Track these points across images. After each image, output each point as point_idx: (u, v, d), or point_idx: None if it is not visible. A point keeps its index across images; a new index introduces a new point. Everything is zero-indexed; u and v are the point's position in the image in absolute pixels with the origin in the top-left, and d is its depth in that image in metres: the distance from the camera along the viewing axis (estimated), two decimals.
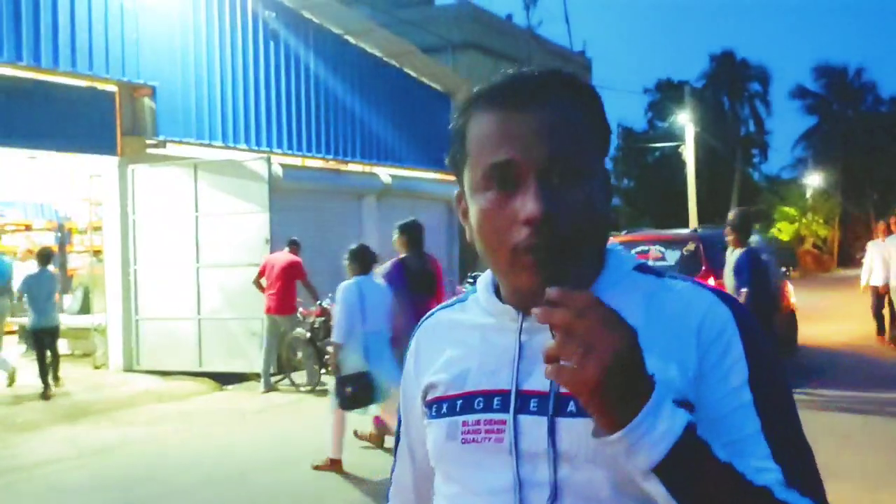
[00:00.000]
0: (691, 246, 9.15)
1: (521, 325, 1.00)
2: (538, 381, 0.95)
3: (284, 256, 9.62)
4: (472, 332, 1.06)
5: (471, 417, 1.00)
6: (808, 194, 40.62)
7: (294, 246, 9.78)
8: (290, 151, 13.45)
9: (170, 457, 6.87)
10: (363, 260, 6.21)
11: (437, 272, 6.82)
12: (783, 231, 37.80)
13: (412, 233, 6.65)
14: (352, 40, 14.95)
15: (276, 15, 13.14)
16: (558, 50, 24.50)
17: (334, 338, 6.11)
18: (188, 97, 11.72)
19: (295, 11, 13.62)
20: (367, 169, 15.36)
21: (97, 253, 11.85)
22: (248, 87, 12.75)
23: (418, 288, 6.46)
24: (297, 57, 13.69)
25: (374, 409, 6.15)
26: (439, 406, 1.05)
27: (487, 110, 0.98)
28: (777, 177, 47.40)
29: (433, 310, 1.19)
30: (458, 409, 1.02)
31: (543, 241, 0.92)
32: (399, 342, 6.01)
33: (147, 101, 11.21)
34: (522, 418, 0.96)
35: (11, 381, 9.52)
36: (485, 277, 1.09)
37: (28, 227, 14.07)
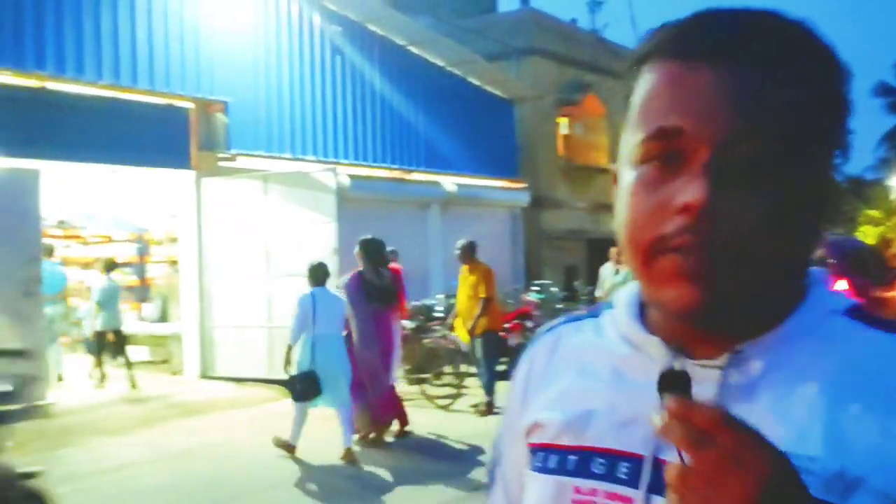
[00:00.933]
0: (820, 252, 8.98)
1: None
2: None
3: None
4: (603, 361, 0.79)
5: (586, 484, 0.75)
6: (894, 196, 39.07)
7: (393, 255, 10.06)
8: (356, 161, 13.72)
9: (243, 460, 7.11)
10: (317, 274, 7.13)
11: (396, 282, 7.75)
12: (867, 235, 36.46)
13: (367, 247, 7.41)
14: (415, 50, 15.15)
15: (342, 29, 13.44)
16: (625, 52, 24.23)
17: (290, 340, 7.00)
18: (258, 111, 12.10)
19: (359, 24, 13.89)
20: (432, 178, 15.52)
21: (174, 263, 12.30)
22: (315, 99, 13.08)
23: (374, 297, 7.19)
24: (361, 68, 13.96)
25: (321, 402, 6.93)
26: (546, 456, 0.80)
27: (663, 59, 0.72)
28: (860, 178, 45.78)
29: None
30: (570, 468, 0.77)
31: (702, 241, 0.66)
32: (350, 342, 7.17)
33: (220, 116, 11.61)
34: (657, 500, 0.70)
35: (102, 378, 10.20)
36: (628, 291, 0.82)
37: (109, 239, 14.70)
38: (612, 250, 11.69)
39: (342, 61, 13.58)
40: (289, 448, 6.97)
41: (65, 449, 7.37)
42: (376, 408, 7.35)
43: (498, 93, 17.33)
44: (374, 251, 7.31)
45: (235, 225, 11.26)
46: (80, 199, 13.81)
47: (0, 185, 8.79)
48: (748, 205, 0.66)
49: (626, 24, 29.56)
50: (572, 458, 0.77)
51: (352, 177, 12.78)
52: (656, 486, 0.70)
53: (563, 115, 19.95)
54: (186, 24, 11.07)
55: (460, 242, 8.99)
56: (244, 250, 11.17)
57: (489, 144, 16.73)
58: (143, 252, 14.38)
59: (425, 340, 9.68)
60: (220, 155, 11.53)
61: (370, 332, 7.18)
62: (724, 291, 0.66)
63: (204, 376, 11.16)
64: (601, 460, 0.75)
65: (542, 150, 19.28)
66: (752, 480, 0.55)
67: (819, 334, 0.71)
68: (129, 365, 10.42)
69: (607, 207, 21.18)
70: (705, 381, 0.69)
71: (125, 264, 13.95)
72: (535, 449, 0.81)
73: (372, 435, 7.46)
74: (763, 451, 0.56)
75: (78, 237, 13.97)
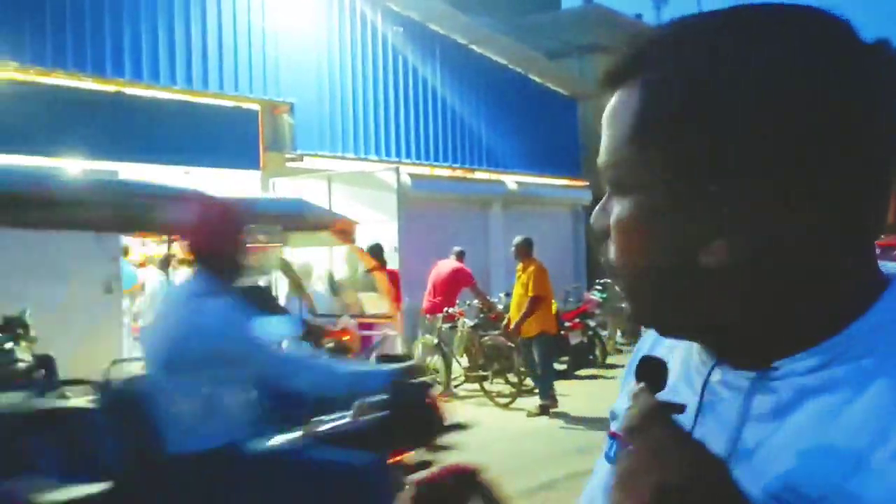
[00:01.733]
0: None
1: (708, 375, 0.71)
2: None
3: (450, 264, 10.14)
4: (678, 356, 0.77)
5: None
6: None
7: (460, 256, 10.30)
8: (418, 161, 13.91)
9: None
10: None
11: (393, 283, 8.41)
12: None
13: (370, 252, 8.09)
14: (476, 49, 15.25)
15: (404, 29, 13.64)
16: None
17: None
18: (323, 112, 12.40)
19: (421, 24, 14.07)
20: (493, 176, 15.60)
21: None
22: (378, 99, 13.31)
23: None
24: (423, 68, 14.14)
25: None
26: (612, 444, 0.82)
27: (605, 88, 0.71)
28: None
29: None
30: (614, 457, 0.79)
31: (606, 257, 0.72)
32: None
33: (286, 117, 11.95)
34: None
35: None
36: None
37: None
38: None
39: (405, 61, 13.78)
40: None
41: None
42: None
43: (560, 90, 17.30)
44: (375, 253, 8.10)
45: None
46: None
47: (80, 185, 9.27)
48: (616, 221, 0.69)
49: None
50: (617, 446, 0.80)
51: (413, 176, 12.96)
52: None
53: None
54: (253, 28, 11.43)
55: (516, 239, 8.98)
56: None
57: (551, 142, 16.72)
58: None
59: (484, 338, 9.77)
60: (287, 155, 11.87)
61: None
62: (636, 302, 0.70)
63: None
64: None
65: None
66: (658, 479, 0.56)
67: (879, 350, 0.62)
68: None
69: None
70: (737, 391, 0.67)
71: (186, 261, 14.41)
72: (609, 437, 0.84)
73: None
74: (683, 455, 0.58)
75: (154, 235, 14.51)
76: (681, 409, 0.65)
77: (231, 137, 11.38)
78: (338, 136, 12.64)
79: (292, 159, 11.91)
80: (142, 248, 14.12)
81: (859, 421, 0.58)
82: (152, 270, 11.63)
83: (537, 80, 16.71)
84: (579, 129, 17.98)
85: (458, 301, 10.16)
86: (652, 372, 0.67)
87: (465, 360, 9.91)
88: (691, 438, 0.60)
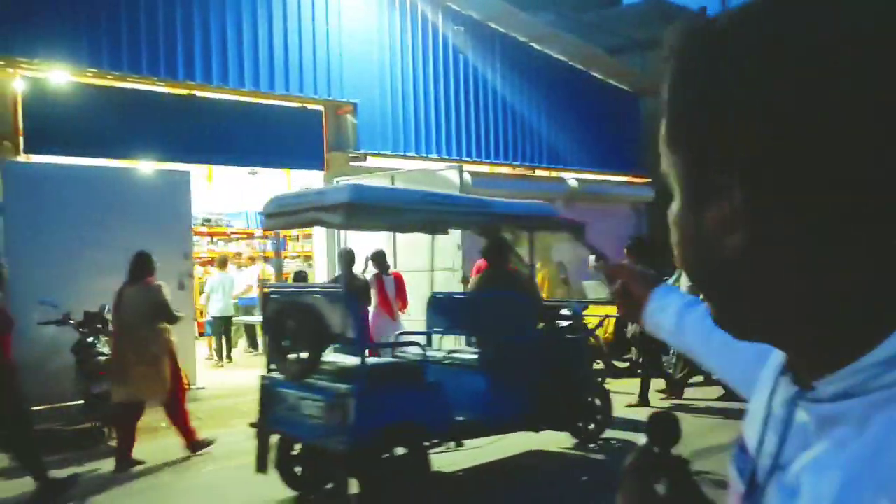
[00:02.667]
0: None
1: (775, 385, 0.69)
2: (762, 471, 0.68)
3: (484, 264, 10.14)
4: (775, 366, 0.73)
5: (732, 474, 0.75)
6: None
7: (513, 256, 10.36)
8: (478, 159, 13.97)
9: (228, 479, 7.41)
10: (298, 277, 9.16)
11: (399, 286, 9.13)
12: None
13: (343, 257, 8.15)
14: (537, 47, 15.22)
15: (464, 28, 13.71)
16: None
17: None
18: (385, 111, 12.56)
19: (481, 23, 14.12)
20: (555, 174, 15.56)
21: (308, 258, 12.97)
22: (440, 98, 13.42)
23: None
24: (484, 66, 14.18)
25: None
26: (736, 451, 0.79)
27: None
28: None
29: None
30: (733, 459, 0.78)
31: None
32: None
33: (349, 117, 12.15)
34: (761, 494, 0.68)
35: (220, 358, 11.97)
36: None
37: (250, 235, 15.63)
38: None
39: (465, 60, 13.85)
40: None
41: (213, 431, 7.98)
42: None
43: (622, 87, 17.14)
44: (347, 260, 8.24)
45: None
46: (223, 198, 14.78)
47: (155, 186, 9.63)
48: (670, 220, 0.69)
49: None
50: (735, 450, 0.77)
51: (474, 174, 13.01)
52: (754, 481, 0.69)
53: None
54: (317, 30, 11.65)
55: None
56: (373, 246, 11.63)
57: (613, 139, 16.57)
58: (279, 248, 15.20)
59: None
60: (350, 155, 12.07)
61: None
62: (721, 306, 0.66)
63: None
64: (739, 454, 0.74)
65: None
66: None
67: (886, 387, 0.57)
68: (228, 343, 12.49)
69: None
70: (784, 406, 0.66)
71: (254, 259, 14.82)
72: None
73: None
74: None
75: (222, 234, 14.93)
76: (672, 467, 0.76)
77: (296, 138, 11.64)
78: (400, 135, 12.80)
79: (355, 158, 12.11)
80: (210, 245, 14.58)
81: (848, 467, 0.56)
82: (214, 269, 12.12)
83: (599, 76, 16.58)
84: (642, 126, 17.77)
85: None
86: (663, 427, 0.76)
87: None
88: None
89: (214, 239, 14.75)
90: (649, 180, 17.29)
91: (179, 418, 7.12)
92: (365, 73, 12.28)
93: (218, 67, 10.60)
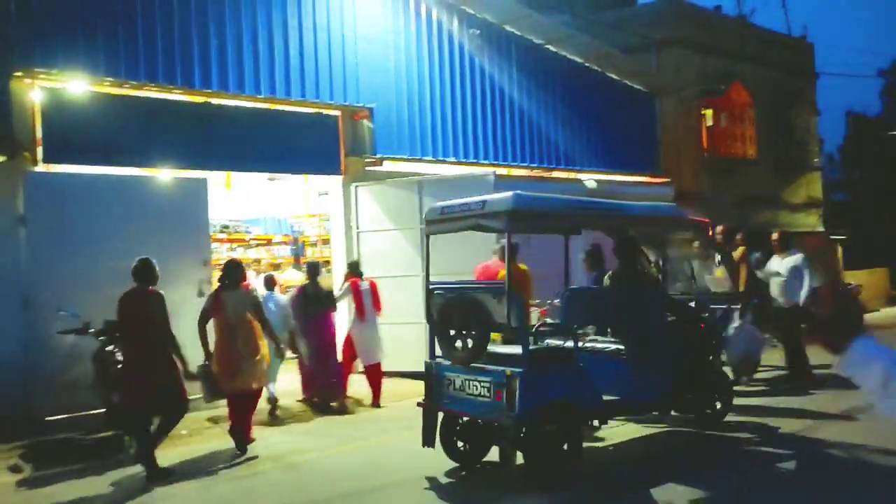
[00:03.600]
0: None
1: None
2: None
3: (496, 264, 10.05)
4: None
5: None
6: None
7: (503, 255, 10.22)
8: (495, 162, 13.92)
9: (394, 452, 7.45)
10: (268, 283, 10.02)
11: (373, 293, 10.04)
12: None
13: (308, 268, 9.96)
14: (552, 48, 15.17)
15: (479, 31, 13.68)
16: (775, 37, 23.10)
17: None
18: (401, 116, 12.56)
19: (497, 26, 14.09)
20: (572, 175, 15.49)
21: (327, 263, 12.96)
22: (455, 102, 13.40)
23: (310, 306, 9.50)
24: (499, 69, 14.15)
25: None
26: None
27: None
28: None
29: None
30: None
31: None
32: (294, 340, 9.53)
33: (365, 122, 12.15)
34: None
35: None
36: None
37: (269, 241, 15.68)
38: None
39: (481, 63, 13.82)
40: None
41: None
42: (327, 384, 9.58)
43: (638, 86, 17.03)
44: (312, 270, 9.78)
45: (384, 225, 11.76)
46: (242, 204, 14.83)
47: (173, 193, 9.66)
48: None
49: (774, 7, 28.09)
50: None
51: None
52: None
53: (707, 107, 19.30)
54: (333, 36, 11.67)
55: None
56: (393, 250, 11.65)
57: (630, 139, 16.48)
58: (297, 253, 15.25)
59: None
60: (367, 159, 12.07)
61: (304, 330, 9.52)
62: None
63: (354, 371, 11.69)
64: None
65: (685, 143, 18.75)
66: None
67: None
68: None
69: (753, 199, 20.29)
70: None
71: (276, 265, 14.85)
72: None
73: (334, 404, 9.53)
74: None
75: (241, 240, 14.98)
76: None
77: (313, 143, 11.66)
78: (416, 139, 12.79)
79: (372, 163, 12.11)
80: (229, 252, 14.62)
81: None
82: (258, 285, 12.10)
83: (614, 76, 16.50)
84: (658, 125, 17.66)
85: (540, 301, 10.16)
86: None
87: None
88: None
89: (233, 245, 14.80)
90: (667, 179, 17.17)
91: (251, 413, 7.72)
92: (380, 77, 12.28)
93: (234, 75, 10.64)
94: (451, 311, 6.41)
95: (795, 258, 10.30)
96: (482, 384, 6.03)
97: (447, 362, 6.46)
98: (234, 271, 7.76)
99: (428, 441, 6.53)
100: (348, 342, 10.10)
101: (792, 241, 10.78)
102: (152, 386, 6.70)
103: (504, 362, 6.01)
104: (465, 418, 6.54)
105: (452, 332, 6.36)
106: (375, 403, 9.80)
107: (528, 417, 5.74)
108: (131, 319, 6.87)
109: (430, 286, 6.77)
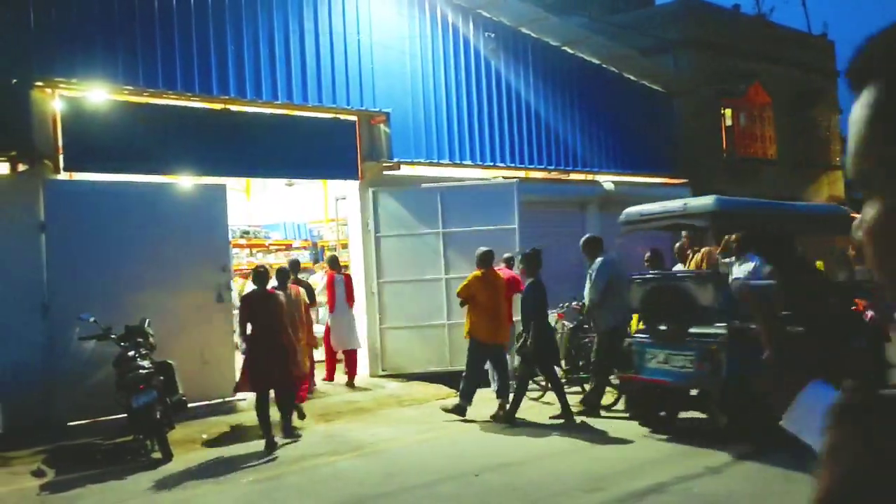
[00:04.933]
0: None
1: None
2: None
3: (504, 273, 10.11)
4: None
5: None
6: None
7: (509, 263, 10.28)
8: (512, 164, 13.90)
9: (413, 454, 7.47)
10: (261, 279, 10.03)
11: (347, 286, 11.06)
12: None
13: (290, 266, 10.78)
14: (569, 50, 15.13)
15: (495, 34, 13.68)
16: (794, 36, 22.88)
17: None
18: (418, 120, 12.57)
19: (513, 28, 14.08)
20: (590, 177, 15.42)
21: (346, 267, 13.01)
22: (472, 105, 13.39)
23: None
24: (516, 72, 14.13)
25: None
26: None
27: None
28: None
29: None
30: None
31: None
32: None
33: (382, 126, 12.18)
34: None
35: None
36: None
37: (288, 247, 15.76)
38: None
39: (497, 66, 13.81)
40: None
41: (252, 442, 8.03)
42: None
43: (656, 87, 16.95)
44: (294, 267, 10.61)
45: (402, 230, 11.80)
46: (261, 210, 14.94)
47: (192, 200, 9.75)
48: (865, 225, 0.69)
49: (794, 5, 27.80)
50: None
51: (508, 179, 12.98)
52: None
53: (726, 107, 19.15)
54: (349, 41, 11.71)
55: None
56: (412, 254, 11.69)
57: (648, 140, 16.39)
58: (317, 258, 15.31)
59: (584, 340, 9.69)
60: (384, 164, 12.10)
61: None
62: None
63: (373, 374, 11.73)
64: None
65: (704, 144, 18.61)
66: (824, 476, 0.63)
67: None
68: None
69: (774, 200, 20.06)
70: None
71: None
72: None
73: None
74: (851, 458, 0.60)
75: (261, 246, 15.08)
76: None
77: (331, 148, 11.70)
78: (433, 143, 12.80)
79: (389, 167, 12.13)
80: (249, 258, 14.73)
81: None
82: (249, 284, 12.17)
83: (632, 77, 16.42)
84: (677, 126, 17.55)
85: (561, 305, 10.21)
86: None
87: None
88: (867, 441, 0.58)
89: (253, 251, 14.90)
90: (685, 181, 17.06)
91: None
92: (397, 82, 12.31)
93: (251, 82, 10.71)
94: (657, 296, 7.63)
95: (748, 266, 9.32)
96: (686, 357, 7.20)
97: (648, 340, 7.67)
98: (279, 272, 9.28)
99: (634, 413, 8.07)
100: (327, 331, 11.09)
101: (750, 245, 9.70)
102: (270, 367, 7.90)
103: (703, 338, 7.15)
104: (664, 387, 7.59)
105: (658, 315, 7.55)
106: (350, 383, 10.83)
107: (731, 385, 6.85)
108: (255, 314, 8.04)
109: (634, 277, 8.18)
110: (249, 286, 11.85)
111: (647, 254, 9.73)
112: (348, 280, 11.23)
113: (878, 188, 0.63)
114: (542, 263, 8.95)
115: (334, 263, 11.24)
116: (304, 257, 15.47)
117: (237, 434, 8.43)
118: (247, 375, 8.07)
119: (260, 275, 8.48)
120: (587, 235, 9.69)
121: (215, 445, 8.05)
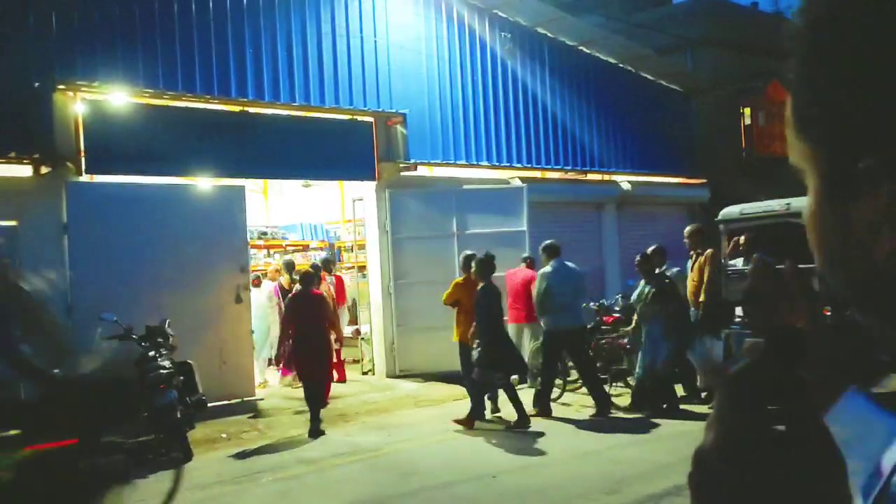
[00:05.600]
0: None
1: None
2: None
3: (523, 273, 10.15)
4: None
5: None
6: None
7: (530, 263, 10.32)
8: (529, 165, 13.90)
9: (428, 455, 7.50)
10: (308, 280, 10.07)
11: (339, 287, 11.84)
12: None
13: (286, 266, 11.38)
14: (586, 50, 15.10)
15: (511, 34, 13.68)
16: None
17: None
18: (434, 121, 12.61)
19: (529, 29, 14.07)
20: (606, 177, 15.39)
21: (362, 269, 13.06)
22: (489, 105, 13.41)
23: None
24: (532, 72, 14.12)
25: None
26: None
27: None
28: None
29: None
30: None
31: None
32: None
33: (399, 127, 12.23)
34: None
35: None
36: None
37: (305, 247, 15.85)
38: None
39: (513, 66, 13.82)
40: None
41: (271, 442, 8.11)
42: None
43: (673, 86, 16.88)
44: (288, 267, 11.26)
45: (418, 231, 11.84)
46: (279, 211, 15.02)
47: (211, 201, 9.84)
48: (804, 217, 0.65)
49: None
50: None
51: (525, 180, 12.99)
52: None
53: (745, 106, 19.02)
54: (366, 43, 11.77)
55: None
56: (428, 255, 11.72)
57: (665, 140, 16.32)
58: (333, 258, 15.37)
59: (602, 341, 9.69)
60: (401, 165, 12.15)
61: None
62: (882, 324, 0.58)
63: (390, 375, 11.78)
64: None
65: (723, 143, 18.51)
66: (704, 441, 0.56)
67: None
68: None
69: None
70: None
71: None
72: None
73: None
74: (725, 425, 0.54)
75: (278, 247, 15.17)
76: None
77: (348, 149, 11.76)
78: (449, 144, 12.83)
79: (406, 168, 12.18)
80: (266, 258, 14.81)
81: None
82: (266, 281, 12.23)
83: (649, 77, 16.36)
84: (695, 125, 17.47)
85: None
86: (787, 338, 0.55)
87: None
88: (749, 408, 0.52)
89: (271, 252, 14.99)
90: (703, 181, 16.98)
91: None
92: (413, 83, 12.35)
93: (269, 84, 10.79)
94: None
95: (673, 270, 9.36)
96: None
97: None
98: (303, 276, 9.31)
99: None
100: None
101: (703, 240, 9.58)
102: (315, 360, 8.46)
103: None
104: None
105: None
106: (340, 380, 11.20)
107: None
108: (300, 315, 8.48)
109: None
110: (269, 284, 11.99)
111: (638, 257, 9.10)
112: (339, 281, 12.18)
113: (806, 176, 0.59)
114: (496, 269, 8.80)
115: (326, 266, 11.97)
116: (314, 259, 15.54)
117: (257, 435, 8.50)
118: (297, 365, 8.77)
119: (307, 276, 8.84)
120: (547, 241, 9.41)
121: (235, 445, 8.13)
